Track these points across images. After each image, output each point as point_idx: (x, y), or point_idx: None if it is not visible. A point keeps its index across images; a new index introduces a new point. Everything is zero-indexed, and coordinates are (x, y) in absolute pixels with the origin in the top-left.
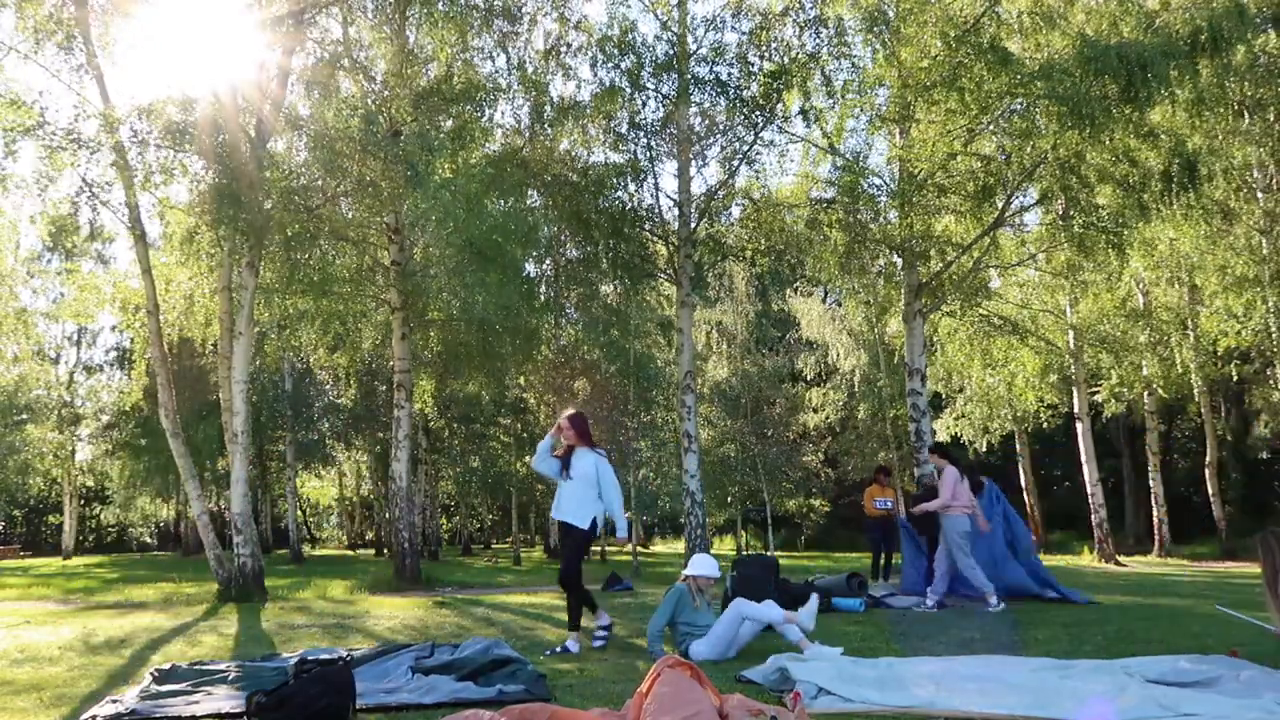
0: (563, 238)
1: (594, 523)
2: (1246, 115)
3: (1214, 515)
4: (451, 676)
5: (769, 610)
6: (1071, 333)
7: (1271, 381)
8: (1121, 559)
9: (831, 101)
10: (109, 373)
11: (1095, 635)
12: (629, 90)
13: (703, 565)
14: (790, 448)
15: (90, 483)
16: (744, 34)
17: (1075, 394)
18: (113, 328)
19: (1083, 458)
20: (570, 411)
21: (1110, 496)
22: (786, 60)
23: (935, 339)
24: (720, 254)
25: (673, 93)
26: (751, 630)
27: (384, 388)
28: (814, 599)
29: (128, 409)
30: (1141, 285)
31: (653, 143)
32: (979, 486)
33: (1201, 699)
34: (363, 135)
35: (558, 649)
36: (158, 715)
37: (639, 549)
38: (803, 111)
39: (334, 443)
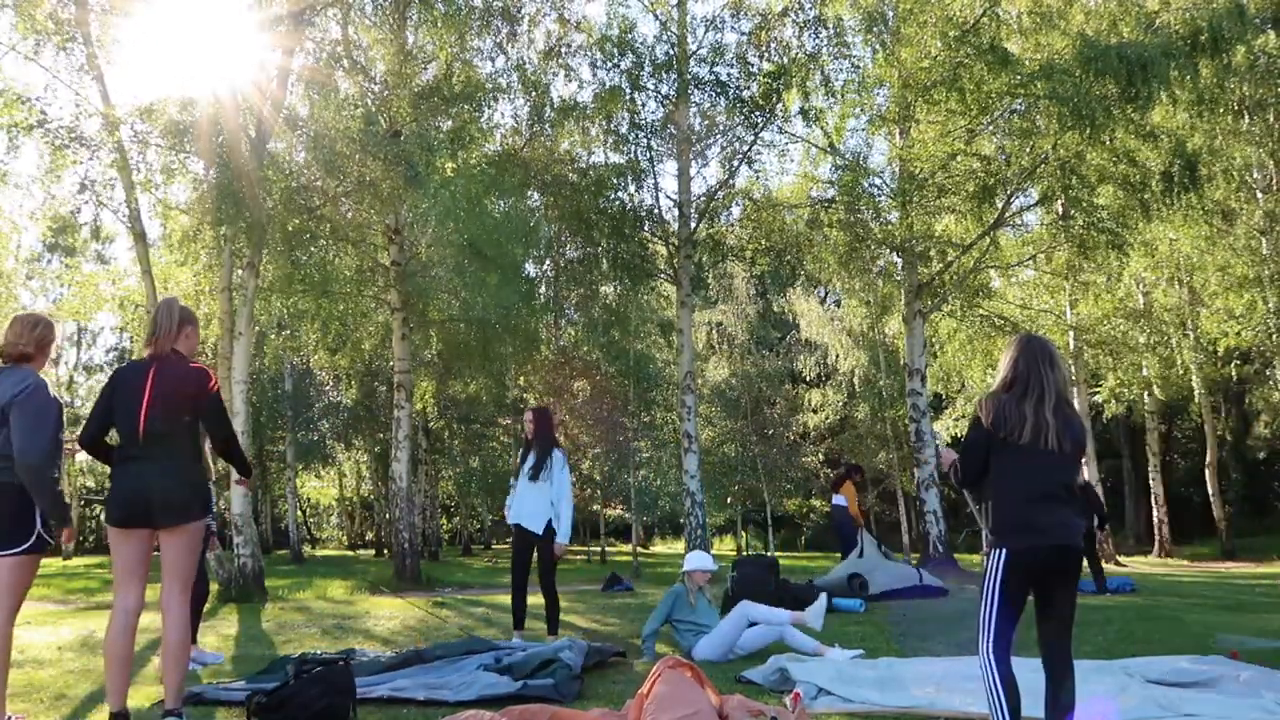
0: (563, 238)
1: (548, 526)
2: (1246, 115)
3: (1214, 515)
4: (506, 676)
5: (775, 612)
6: (1071, 333)
7: (1271, 382)
8: (1122, 559)
9: (831, 102)
10: (109, 373)
11: (1095, 635)
12: (629, 90)
13: (696, 560)
14: (790, 448)
15: (90, 483)
16: (744, 34)
17: (1075, 394)
18: (113, 328)
19: (1083, 458)
20: (535, 406)
21: (1110, 497)
22: (786, 60)
23: (935, 339)
24: (720, 254)
25: (673, 93)
26: (761, 637)
27: (384, 388)
28: (822, 598)
29: None
30: (1142, 286)
31: (653, 143)
32: None
33: (1201, 699)
34: (362, 135)
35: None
36: (210, 699)
37: (639, 549)
38: (802, 111)
39: (334, 443)
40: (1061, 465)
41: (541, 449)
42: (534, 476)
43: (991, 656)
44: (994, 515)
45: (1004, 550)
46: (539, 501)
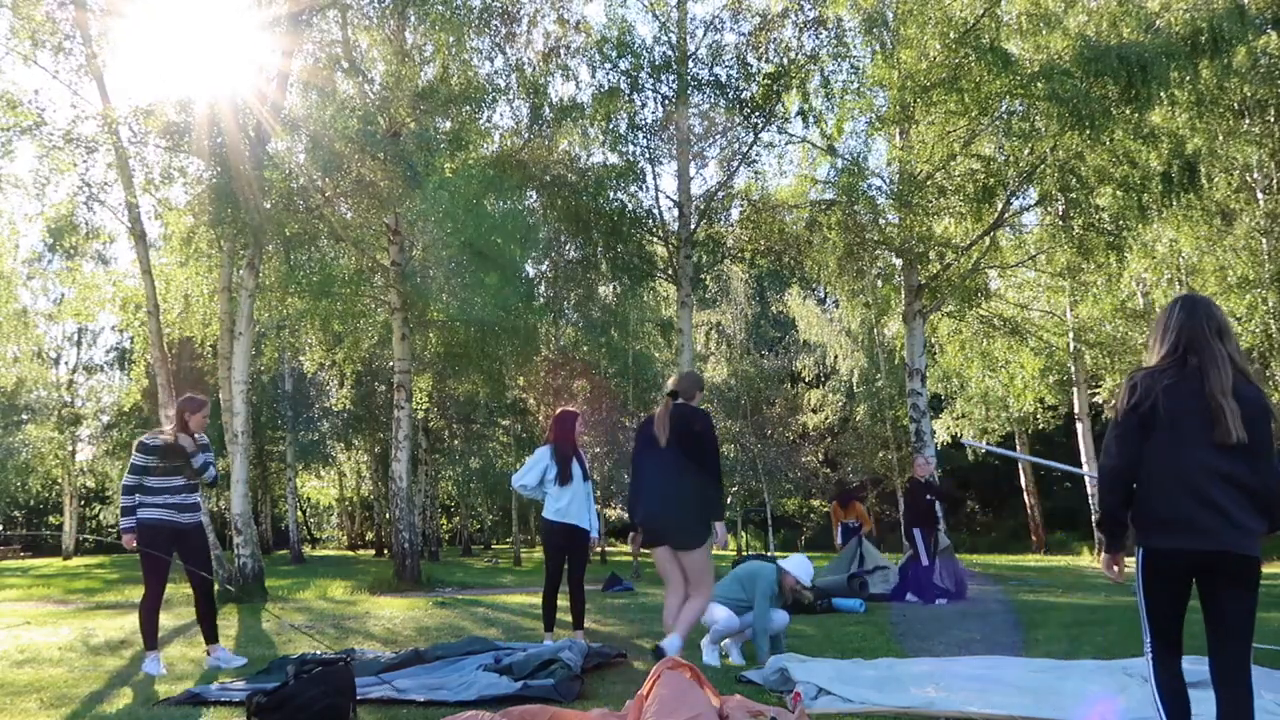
0: (561, 238)
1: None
2: (1246, 116)
3: None
4: (506, 676)
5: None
6: (1071, 334)
7: (1271, 382)
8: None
9: (830, 103)
10: (109, 373)
11: (1095, 635)
12: (628, 91)
13: (798, 566)
14: (790, 448)
15: (90, 483)
16: (743, 35)
17: (1075, 394)
18: (113, 328)
19: (1083, 458)
20: (563, 410)
21: None
22: (785, 62)
23: (935, 340)
24: (719, 255)
25: (672, 94)
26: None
27: (384, 388)
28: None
29: (128, 409)
30: (1142, 286)
31: (652, 144)
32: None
33: (1201, 699)
34: (361, 136)
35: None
36: (211, 699)
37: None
38: (801, 113)
39: (334, 443)
40: (1232, 454)
41: (561, 455)
42: (562, 482)
43: (1152, 663)
44: (1138, 506)
45: (1143, 550)
46: (579, 500)
